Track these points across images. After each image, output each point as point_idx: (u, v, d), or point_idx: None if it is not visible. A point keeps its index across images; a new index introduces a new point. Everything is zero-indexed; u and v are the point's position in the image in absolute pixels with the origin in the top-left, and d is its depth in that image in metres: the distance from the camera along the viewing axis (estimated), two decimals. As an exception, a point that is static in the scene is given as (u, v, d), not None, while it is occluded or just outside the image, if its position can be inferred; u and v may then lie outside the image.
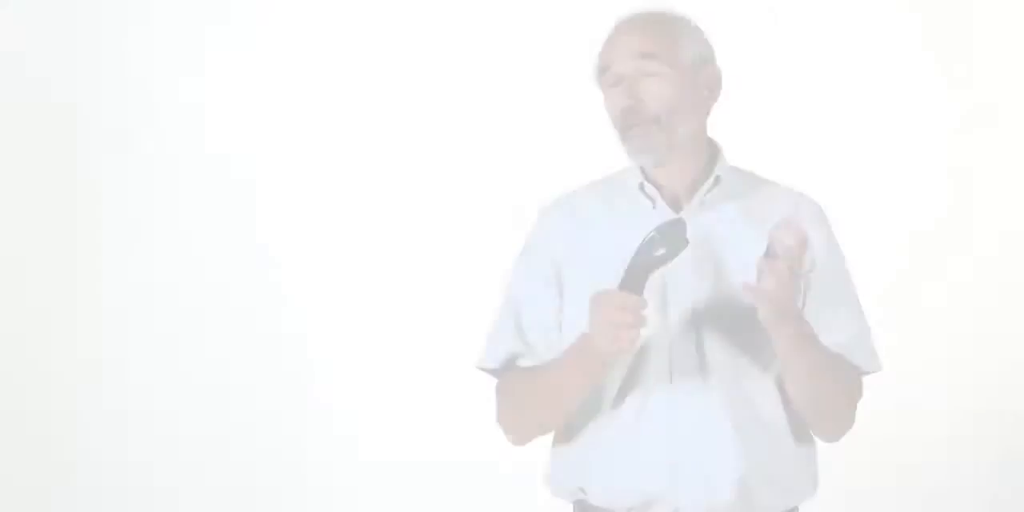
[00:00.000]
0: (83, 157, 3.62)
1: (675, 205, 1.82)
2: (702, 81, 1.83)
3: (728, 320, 1.77)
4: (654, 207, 1.82)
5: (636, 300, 1.61)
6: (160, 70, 3.64)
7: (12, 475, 3.49)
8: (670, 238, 1.60)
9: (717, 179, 1.83)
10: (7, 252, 3.60)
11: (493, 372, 1.91)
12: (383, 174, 3.64)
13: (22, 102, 3.61)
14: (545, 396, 1.79)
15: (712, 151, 1.87)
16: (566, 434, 1.86)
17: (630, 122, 1.78)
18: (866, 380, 1.88)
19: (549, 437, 1.90)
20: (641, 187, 1.83)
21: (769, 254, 1.61)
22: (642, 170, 1.84)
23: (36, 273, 3.60)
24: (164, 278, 3.61)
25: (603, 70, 1.82)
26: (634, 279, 1.61)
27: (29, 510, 3.49)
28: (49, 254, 3.61)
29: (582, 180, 1.95)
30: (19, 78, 3.60)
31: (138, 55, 3.63)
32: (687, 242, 1.62)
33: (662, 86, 1.78)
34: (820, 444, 1.89)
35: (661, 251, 1.60)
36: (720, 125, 1.91)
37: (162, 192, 3.65)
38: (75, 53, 3.61)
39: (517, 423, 1.88)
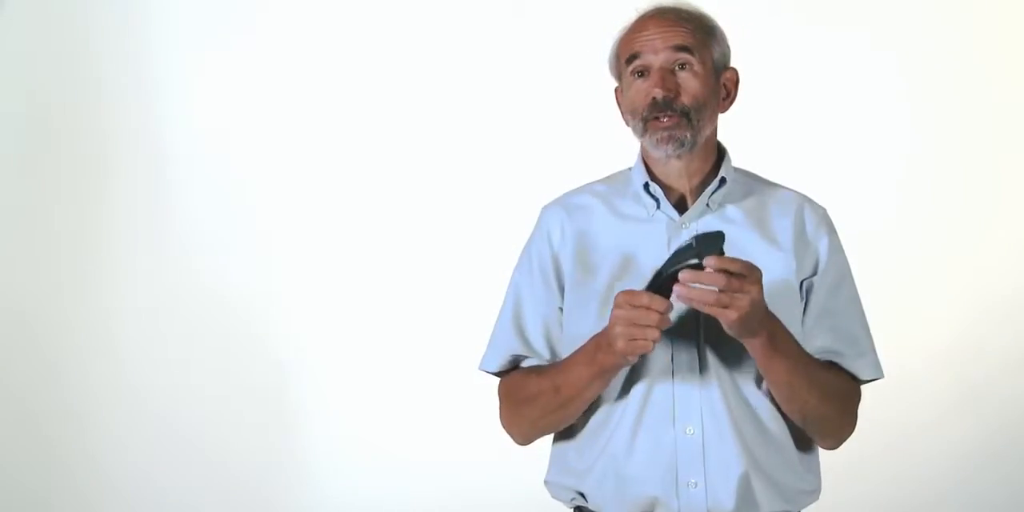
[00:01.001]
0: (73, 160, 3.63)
1: (680, 206, 1.81)
2: (722, 82, 1.83)
3: None
4: (659, 207, 1.81)
5: (662, 302, 1.59)
6: (168, 73, 3.65)
7: (11, 475, 3.49)
8: (706, 248, 1.57)
9: (722, 181, 1.81)
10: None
11: (496, 374, 1.89)
12: (385, 174, 3.65)
13: (22, 102, 3.62)
14: (554, 396, 1.76)
15: (719, 153, 1.86)
16: (566, 432, 1.84)
17: (659, 113, 1.76)
18: (868, 388, 1.85)
19: (549, 438, 1.89)
20: (646, 187, 1.81)
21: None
22: (647, 170, 1.82)
23: (29, 277, 3.60)
24: (163, 279, 3.61)
25: (631, 59, 1.79)
26: (662, 283, 1.59)
27: (29, 510, 3.49)
28: (45, 255, 3.60)
29: (584, 179, 1.93)
30: (21, 79, 3.61)
31: (141, 56, 3.64)
32: (723, 254, 1.58)
33: (694, 81, 1.77)
34: (824, 451, 1.87)
35: (695, 260, 1.57)
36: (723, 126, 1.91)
37: (162, 193, 3.65)
38: (81, 54, 3.63)
39: (522, 424, 1.86)
